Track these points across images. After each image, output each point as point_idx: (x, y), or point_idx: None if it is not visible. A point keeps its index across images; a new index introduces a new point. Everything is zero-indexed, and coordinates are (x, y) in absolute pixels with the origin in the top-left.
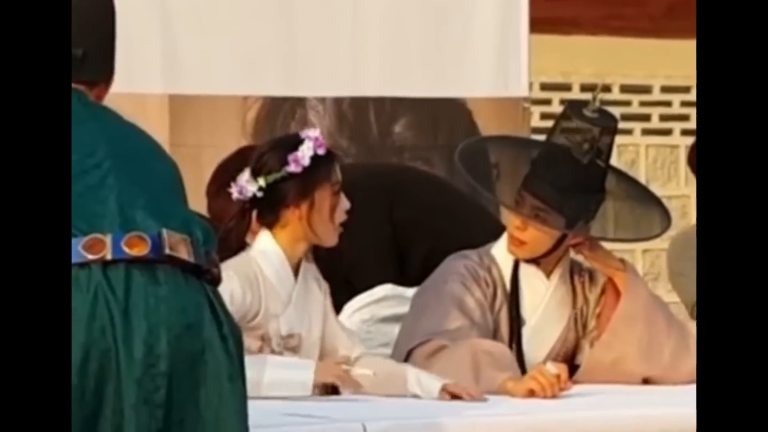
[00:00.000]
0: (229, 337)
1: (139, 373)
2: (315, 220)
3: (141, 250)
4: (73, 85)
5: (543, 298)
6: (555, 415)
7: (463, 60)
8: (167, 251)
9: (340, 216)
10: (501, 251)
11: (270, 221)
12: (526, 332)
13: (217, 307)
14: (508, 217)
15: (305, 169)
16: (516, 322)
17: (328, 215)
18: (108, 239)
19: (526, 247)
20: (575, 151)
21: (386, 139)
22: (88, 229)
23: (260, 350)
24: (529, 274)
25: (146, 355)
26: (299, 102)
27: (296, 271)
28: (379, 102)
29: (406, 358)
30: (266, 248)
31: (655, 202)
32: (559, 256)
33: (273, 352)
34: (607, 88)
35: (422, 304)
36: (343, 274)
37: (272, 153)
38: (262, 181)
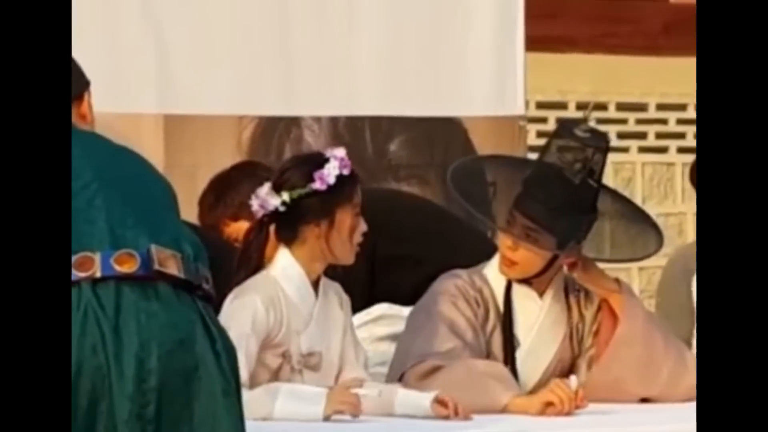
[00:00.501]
0: (222, 353)
1: (131, 389)
2: (334, 239)
3: (130, 267)
4: None
5: (537, 319)
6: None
7: (459, 79)
8: (156, 267)
9: (358, 237)
10: (493, 271)
11: (289, 238)
12: (520, 354)
13: (209, 323)
14: (500, 238)
15: (329, 188)
16: (510, 343)
17: (347, 235)
18: (97, 257)
19: (517, 267)
20: (567, 171)
21: (382, 158)
22: (78, 247)
23: (280, 368)
24: (522, 295)
25: (138, 371)
26: (294, 121)
27: (315, 287)
28: (375, 121)
29: (400, 380)
30: (286, 266)
31: (649, 221)
32: (551, 275)
33: (293, 369)
34: (602, 106)
35: (413, 326)
36: None
37: (297, 169)
38: (286, 196)
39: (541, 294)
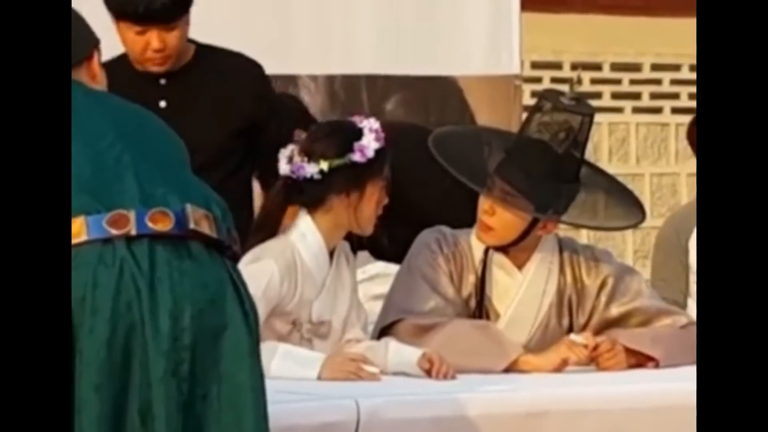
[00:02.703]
0: (250, 313)
1: (166, 346)
2: (361, 210)
3: (165, 226)
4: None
5: (516, 292)
6: (550, 390)
7: (454, 38)
8: (192, 226)
9: (380, 210)
10: (474, 238)
11: (314, 205)
12: (499, 326)
13: (238, 284)
14: (479, 203)
15: (367, 160)
16: (485, 312)
17: (374, 207)
18: (132, 215)
19: (493, 233)
20: (551, 141)
21: (378, 117)
22: (109, 204)
23: (289, 334)
24: (500, 266)
25: (172, 328)
26: (291, 80)
27: (330, 256)
28: (371, 80)
29: (379, 336)
30: (307, 233)
31: (631, 195)
32: (530, 246)
33: (302, 338)
34: (597, 67)
35: (396, 281)
36: None
37: (333, 139)
38: (324, 165)
39: (520, 266)
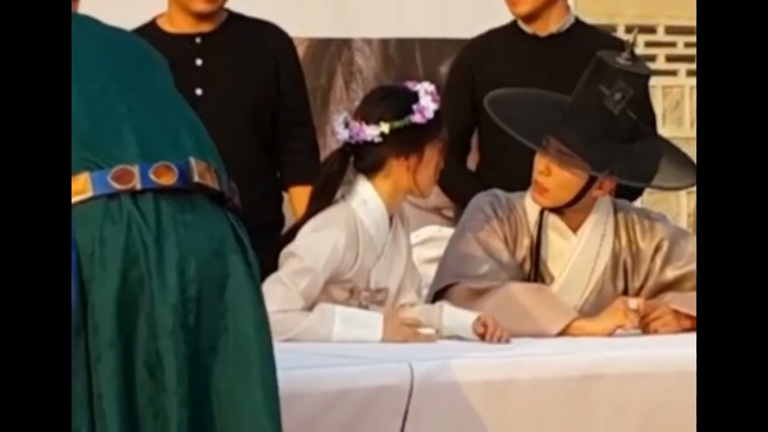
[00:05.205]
0: (253, 263)
1: (174, 298)
2: (421, 174)
3: (169, 180)
4: None
5: (571, 255)
6: (604, 354)
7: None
8: (196, 179)
9: (437, 173)
10: (529, 201)
11: (373, 170)
12: (554, 289)
13: (241, 235)
14: (534, 163)
15: (427, 122)
16: (539, 276)
17: (433, 170)
18: (136, 169)
19: (549, 194)
20: (607, 101)
21: (432, 80)
22: (113, 161)
23: (347, 301)
24: (554, 229)
25: (179, 281)
26: (345, 43)
27: (390, 220)
28: (425, 43)
29: (433, 300)
30: (368, 199)
31: (685, 156)
32: (586, 207)
33: (360, 305)
34: (651, 30)
35: (450, 245)
36: None
37: (391, 101)
38: (385, 127)
39: (575, 229)
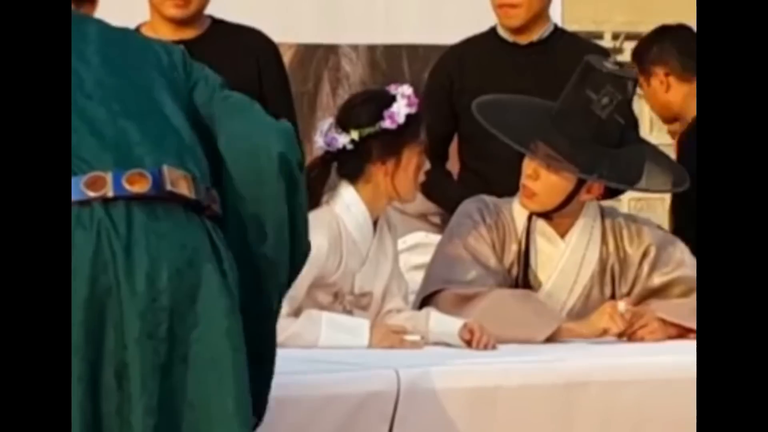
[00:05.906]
0: (229, 273)
1: (143, 306)
2: (400, 178)
3: (142, 187)
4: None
5: (559, 260)
6: (591, 361)
7: None
8: (169, 188)
9: (420, 176)
10: (517, 206)
11: (353, 175)
12: (541, 295)
13: (217, 243)
14: (523, 167)
15: (399, 127)
16: (527, 281)
17: (413, 174)
18: (109, 176)
19: (537, 198)
20: (594, 106)
21: (419, 86)
22: (87, 167)
23: (331, 305)
24: (542, 234)
25: (148, 289)
26: (332, 49)
27: (374, 225)
28: (413, 49)
29: (421, 306)
30: (351, 204)
31: (672, 161)
32: (573, 212)
33: (344, 309)
34: (637, 37)
35: (438, 251)
36: None
37: (365, 107)
38: (355, 135)
39: (563, 235)
